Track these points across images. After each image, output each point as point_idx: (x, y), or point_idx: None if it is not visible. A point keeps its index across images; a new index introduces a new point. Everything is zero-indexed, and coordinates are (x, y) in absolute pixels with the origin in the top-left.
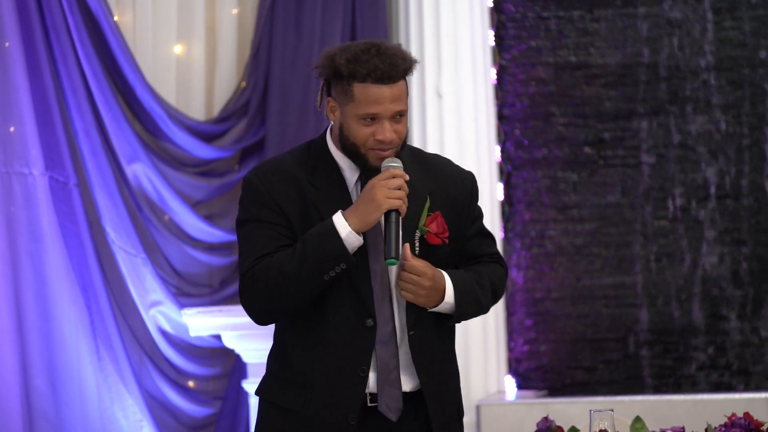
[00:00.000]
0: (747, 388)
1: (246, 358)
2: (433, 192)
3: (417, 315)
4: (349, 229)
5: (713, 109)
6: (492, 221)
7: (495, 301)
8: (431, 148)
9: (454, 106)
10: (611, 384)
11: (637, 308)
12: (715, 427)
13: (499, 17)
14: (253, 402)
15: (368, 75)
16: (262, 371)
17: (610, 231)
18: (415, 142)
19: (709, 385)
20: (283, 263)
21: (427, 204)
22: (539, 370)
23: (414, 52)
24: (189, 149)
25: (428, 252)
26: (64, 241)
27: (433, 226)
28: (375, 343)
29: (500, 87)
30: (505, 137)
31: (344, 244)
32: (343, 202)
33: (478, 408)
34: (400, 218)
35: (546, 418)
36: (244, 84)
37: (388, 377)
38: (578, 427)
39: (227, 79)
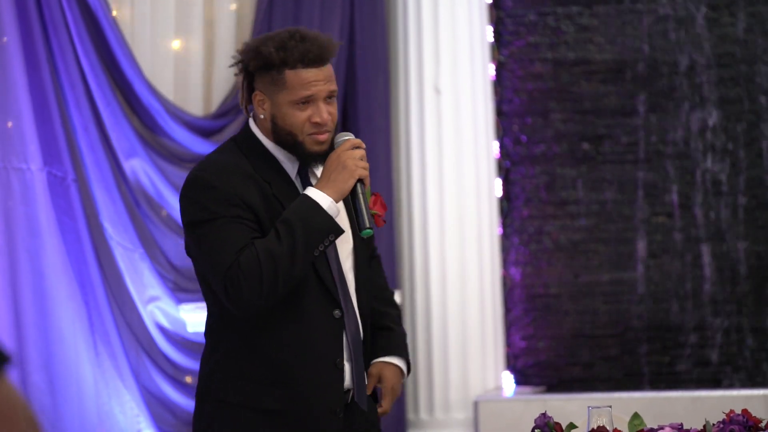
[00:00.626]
0: (745, 385)
1: None
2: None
3: (364, 295)
4: (329, 199)
5: (711, 105)
6: (490, 217)
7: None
8: (429, 144)
9: (453, 102)
10: (609, 380)
11: (636, 304)
12: (714, 424)
13: (498, 13)
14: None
15: (300, 60)
16: None
17: (608, 227)
18: (414, 138)
19: (708, 382)
20: (271, 247)
21: (368, 186)
22: (537, 366)
23: (412, 49)
24: (187, 145)
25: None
26: (61, 237)
27: (378, 207)
28: (345, 332)
29: (498, 83)
30: (503, 133)
31: (329, 215)
32: (296, 194)
33: (475, 404)
34: (364, 189)
35: (544, 414)
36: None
37: (360, 369)
38: (576, 423)
39: (225, 75)
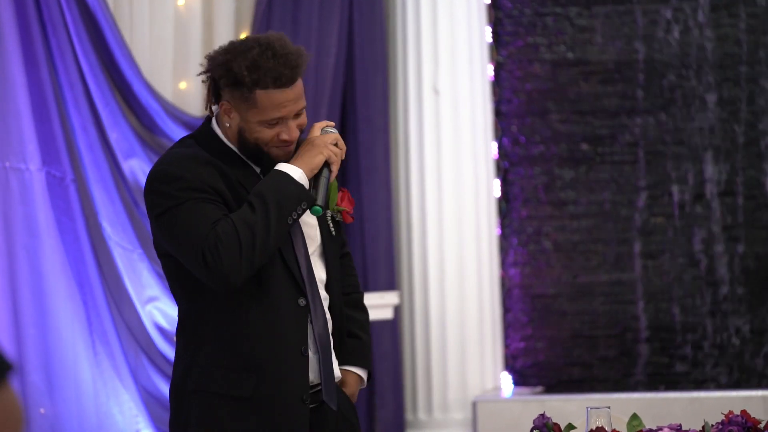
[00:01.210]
0: (744, 386)
1: None
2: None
3: (336, 293)
4: (299, 170)
5: (710, 106)
6: (489, 218)
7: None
8: (428, 145)
9: (451, 103)
10: (608, 381)
11: (634, 305)
12: (712, 425)
13: (496, 14)
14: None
15: (272, 82)
16: None
17: (606, 228)
18: (412, 138)
19: (706, 383)
20: (246, 217)
21: (335, 183)
22: (536, 366)
23: (411, 49)
24: None
25: (338, 232)
26: (60, 237)
27: (345, 203)
28: (310, 322)
29: (497, 83)
30: (501, 134)
31: (300, 183)
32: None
33: (474, 405)
34: (331, 174)
35: (543, 415)
36: None
37: (327, 361)
38: (575, 424)
39: None
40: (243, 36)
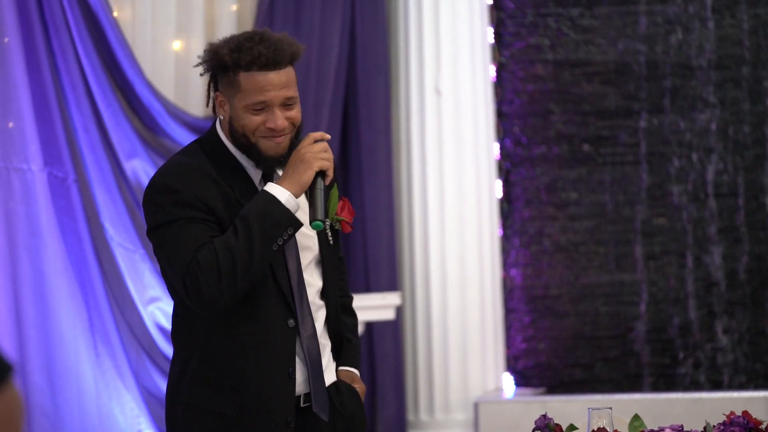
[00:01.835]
0: (746, 387)
1: None
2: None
3: (332, 300)
4: (287, 192)
5: (712, 107)
6: (490, 219)
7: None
8: (430, 146)
9: (453, 104)
10: (610, 382)
11: (636, 306)
12: (714, 426)
13: (498, 14)
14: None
15: (252, 62)
16: None
17: (608, 229)
18: (414, 139)
19: (708, 384)
20: (229, 242)
21: (335, 191)
22: (537, 367)
23: (413, 49)
24: None
25: (336, 242)
26: (62, 237)
27: (345, 213)
28: (299, 342)
29: (499, 84)
30: (503, 134)
31: (287, 208)
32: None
33: (475, 405)
34: (324, 183)
35: (544, 416)
36: None
37: (318, 376)
38: (577, 425)
39: None
40: None
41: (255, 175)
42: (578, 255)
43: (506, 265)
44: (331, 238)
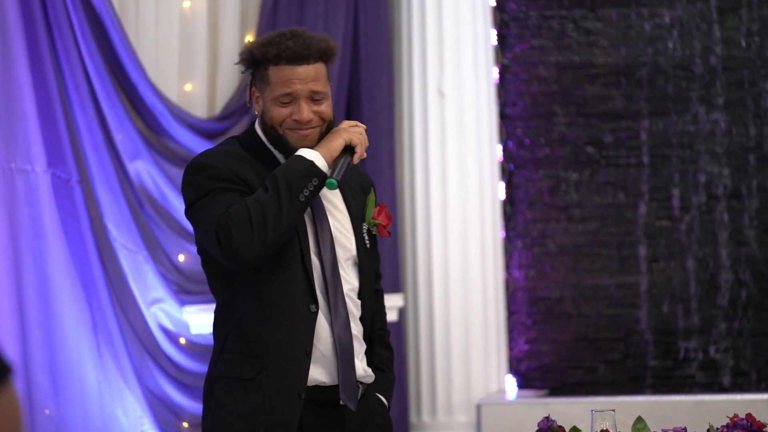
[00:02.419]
0: (749, 389)
1: None
2: (367, 185)
3: (368, 303)
4: (315, 152)
5: (716, 109)
6: (493, 220)
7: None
8: (433, 147)
9: (456, 105)
10: (612, 384)
11: (639, 308)
12: (717, 428)
13: (502, 16)
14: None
15: (279, 56)
16: None
17: (611, 231)
18: (417, 141)
19: (711, 386)
20: (258, 197)
21: (373, 196)
22: (540, 369)
23: (416, 51)
24: (191, 147)
25: (373, 246)
26: (65, 238)
27: (382, 217)
28: (331, 332)
29: (502, 86)
30: (506, 136)
31: (310, 159)
32: None
33: (478, 407)
34: (354, 156)
35: (547, 418)
36: (246, 79)
37: (349, 364)
38: (579, 427)
39: (229, 77)
40: (248, 38)
41: None
42: (581, 257)
43: (509, 267)
44: (368, 242)
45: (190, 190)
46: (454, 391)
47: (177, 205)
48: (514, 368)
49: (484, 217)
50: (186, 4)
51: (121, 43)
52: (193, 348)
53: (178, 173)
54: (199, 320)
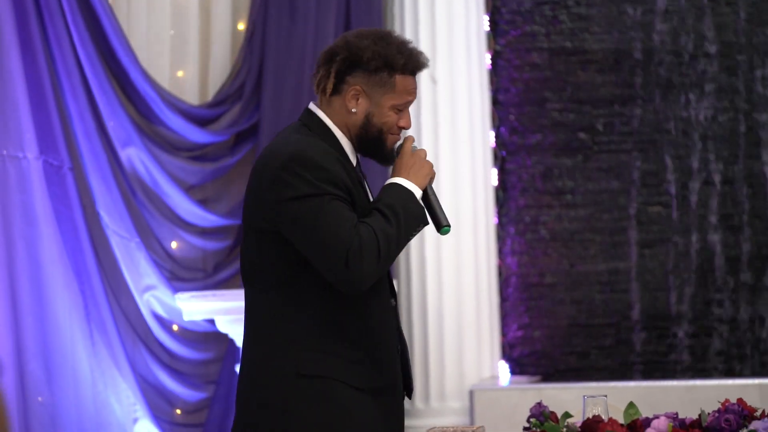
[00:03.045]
0: (740, 375)
1: (239, 342)
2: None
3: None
4: (420, 191)
5: (708, 95)
6: (486, 207)
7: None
8: (425, 134)
9: (449, 92)
10: (605, 370)
11: (631, 294)
12: (709, 413)
13: (494, 2)
14: None
15: (416, 68)
16: None
17: (604, 217)
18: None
19: (703, 372)
20: (384, 228)
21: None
22: (533, 355)
23: (409, 37)
24: (183, 133)
25: None
26: (58, 225)
27: None
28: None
29: (495, 72)
30: (499, 123)
31: (422, 204)
32: (363, 187)
33: (471, 393)
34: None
35: (539, 404)
36: (238, 66)
37: (406, 355)
38: (572, 412)
39: (221, 64)
40: (242, 26)
41: (353, 160)
42: (574, 243)
43: (502, 253)
44: None
45: (296, 180)
46: (447, 377)
47: (169, 191)
48: (506, 354)
49: (477, 204)
50: None
51: (113, 30)
52: (186, 335)
53: (170, 160)
54: (192, 307)
